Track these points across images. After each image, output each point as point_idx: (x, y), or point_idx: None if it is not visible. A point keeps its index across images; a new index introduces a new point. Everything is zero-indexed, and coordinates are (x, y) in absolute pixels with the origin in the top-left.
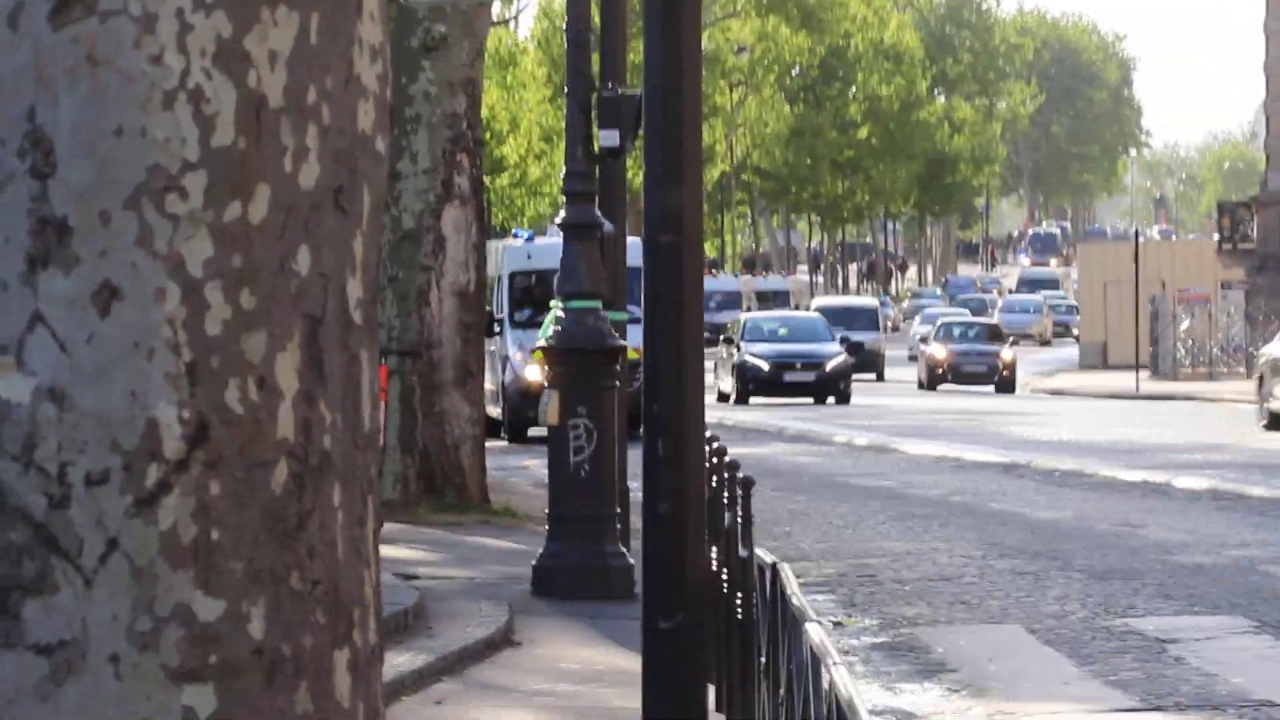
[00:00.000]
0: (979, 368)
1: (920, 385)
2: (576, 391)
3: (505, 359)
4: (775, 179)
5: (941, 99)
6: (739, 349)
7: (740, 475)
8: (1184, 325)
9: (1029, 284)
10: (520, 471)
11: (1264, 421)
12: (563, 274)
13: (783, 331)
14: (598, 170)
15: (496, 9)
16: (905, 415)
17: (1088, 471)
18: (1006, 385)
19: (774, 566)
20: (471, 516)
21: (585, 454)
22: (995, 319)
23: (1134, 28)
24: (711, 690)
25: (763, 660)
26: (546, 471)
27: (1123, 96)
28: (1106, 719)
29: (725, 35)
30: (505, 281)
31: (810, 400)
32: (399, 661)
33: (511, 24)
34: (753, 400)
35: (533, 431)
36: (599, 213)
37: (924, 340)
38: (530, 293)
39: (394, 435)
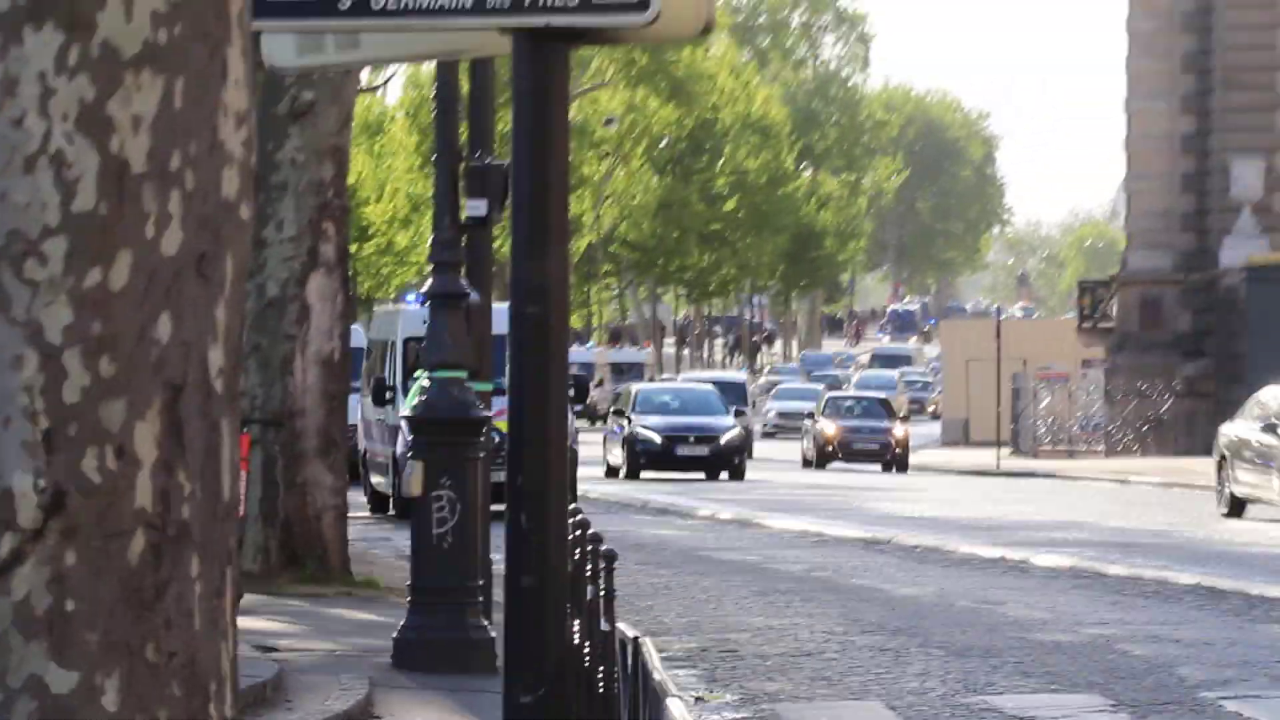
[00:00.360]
0: (870, 445)
1: (806, 463)
2: (440, 463)
3: (397, 428)
4: (642, 250)
5: (808, 173)
6: (629, 421)
7: (603, 549)
8: (1044, 403)
9: (883, 360)
10: (383, 543)
11: (1224, 509)
12: (428, 344)
13: (675, 404)
14: (465, 239)
15: (365, 76)
16: (794, 490)
17: (948, 548)
18: (899, 463)
19: (636, 641)
20: (333, 588)
21: (448, 525)
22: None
23: (997, 106)
24: None
25: None
26: (409, 543)
27: (986, 174)
28: None
29: (594, 106)
30: (399, 347)
31: (702, 476)
32: None
33: (380, 91)
34: (644, 475)
35: None
36: (465, 282)
37: (810, 416)
38: None
39: (255, 505)
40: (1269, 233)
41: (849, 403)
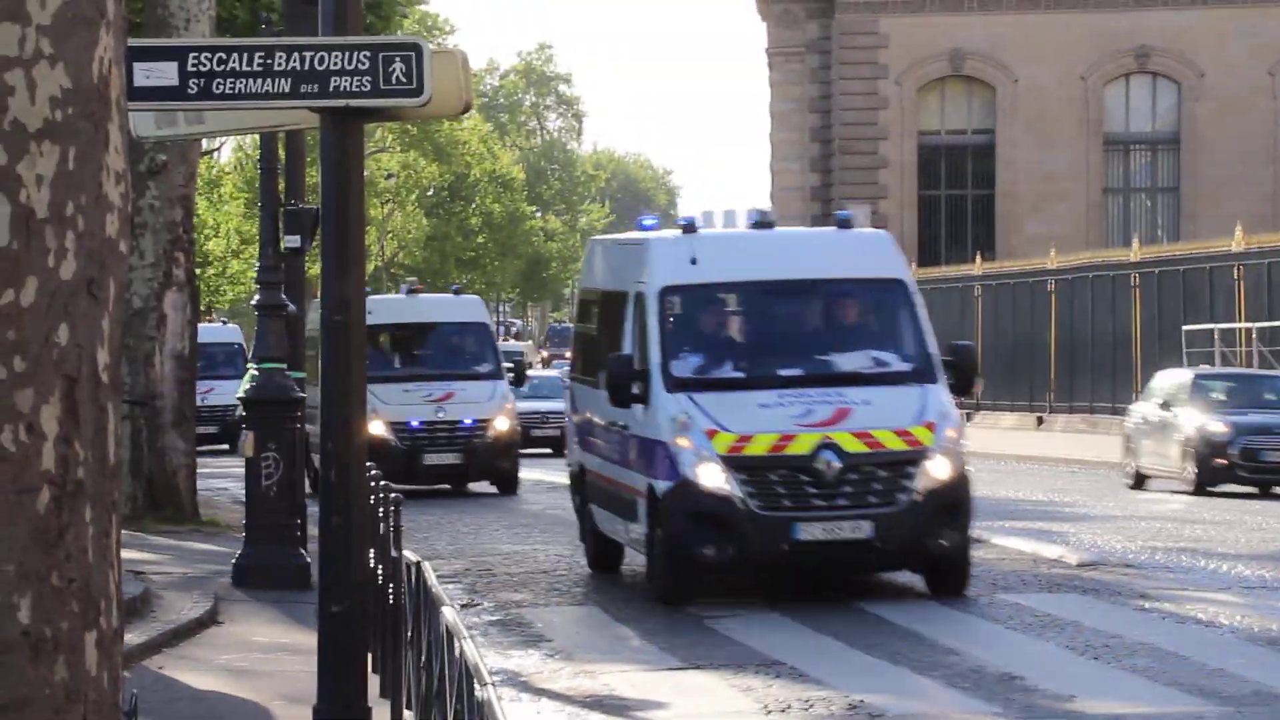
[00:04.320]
0: None
1: (1138, 481)
2: (268, 431)
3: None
4: (416, 273)
5: (538, 215)
6: None
7: (392, 494)
8: None
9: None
10: (222, 492)
11: None
12: (257, 343)
13: None
14: (284, 265)
15: (206, 143)
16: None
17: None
18: None
19: (418, 564)
20: (186, 527)
21: (274, 478)
22: None
23: (679, 163)
24: (370, 657)
25: (409, 635)
26: (244, 492)
27: (670, 215)
28: (659, 675)
29: (377, 164)
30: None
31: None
32: (129, 637)
33: (216, 154)
34: None
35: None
36: (285, 297)
37: (1166, 406)
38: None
39: (126, 464)
40: None
41: (1237, 385)
